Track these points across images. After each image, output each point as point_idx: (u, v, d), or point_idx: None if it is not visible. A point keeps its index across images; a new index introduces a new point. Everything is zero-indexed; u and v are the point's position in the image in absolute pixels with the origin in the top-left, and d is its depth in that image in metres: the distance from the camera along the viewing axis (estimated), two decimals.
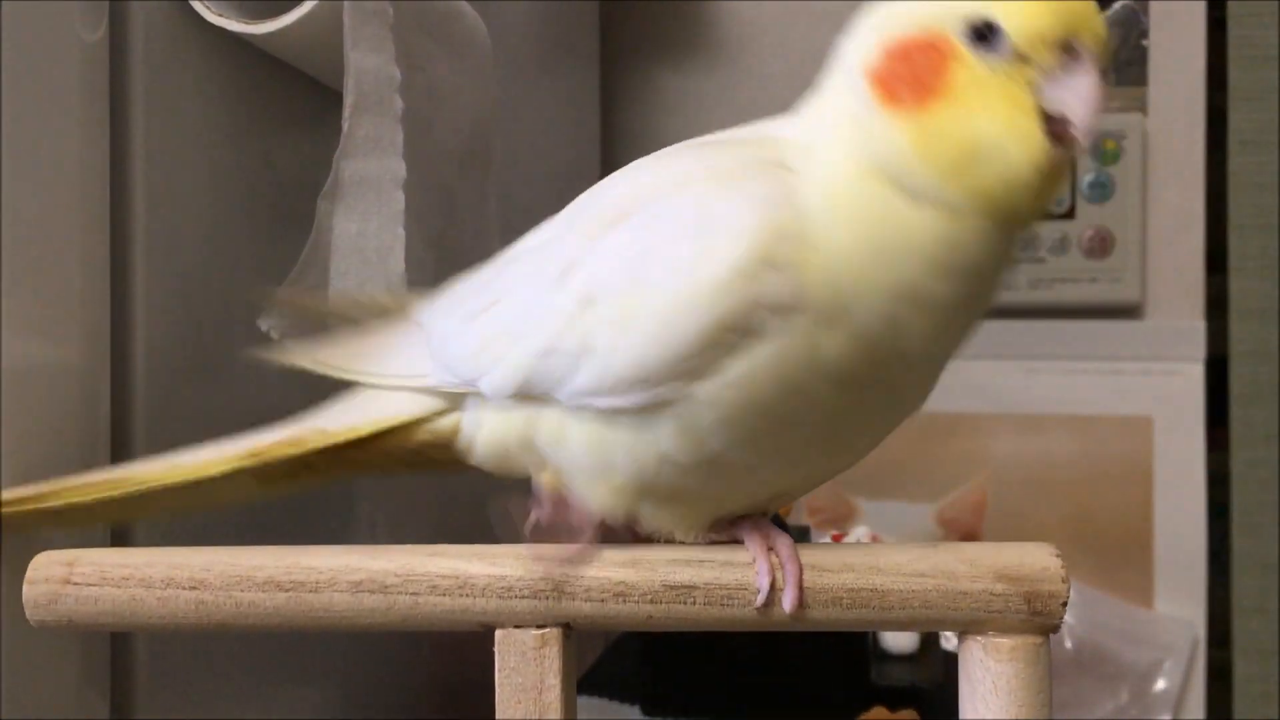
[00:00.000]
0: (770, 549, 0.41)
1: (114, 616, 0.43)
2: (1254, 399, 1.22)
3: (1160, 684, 1.21)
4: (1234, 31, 1.23)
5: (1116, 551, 1.27)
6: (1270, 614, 1.20)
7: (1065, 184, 0.36)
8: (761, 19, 1.36)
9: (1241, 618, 1.20)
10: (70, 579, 0.43)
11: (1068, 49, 0.36)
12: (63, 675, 0.50)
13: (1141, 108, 1.28)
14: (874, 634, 0.93)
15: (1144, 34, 1.28)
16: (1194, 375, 1.27)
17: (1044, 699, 0.39)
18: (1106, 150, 1.27)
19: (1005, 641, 0.39)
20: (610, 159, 1.35)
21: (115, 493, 0.46)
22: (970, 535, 1.29)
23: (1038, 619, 0.39)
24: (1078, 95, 0.36)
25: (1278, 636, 1.19)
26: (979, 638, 0.40)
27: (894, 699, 0.83)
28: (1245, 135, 1.23)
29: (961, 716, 0.41)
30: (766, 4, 1.36)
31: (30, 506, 0.46)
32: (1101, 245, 1.27)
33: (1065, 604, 0.39)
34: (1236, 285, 1.22)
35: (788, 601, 0.40)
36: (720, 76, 1.36)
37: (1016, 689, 0.39)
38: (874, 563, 0.40)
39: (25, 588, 0.43)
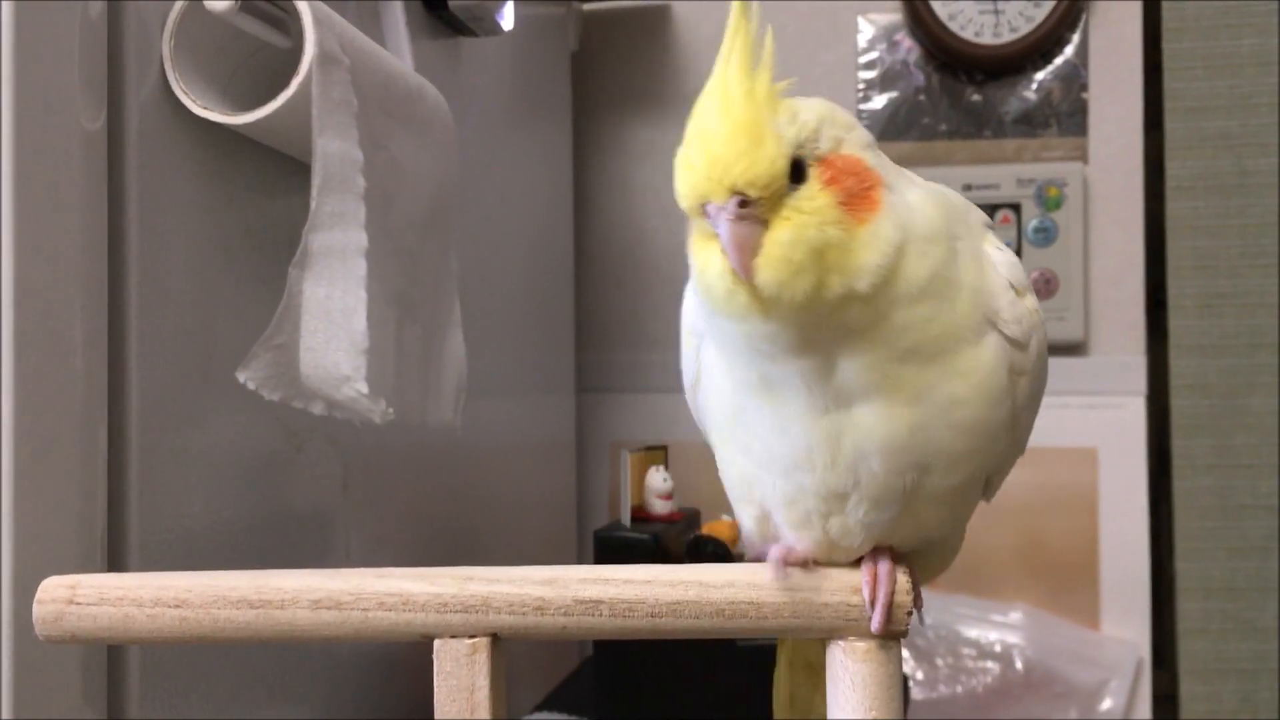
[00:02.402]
0: (875, 574, 0.48)
1: (110, 631, 0.50)
2: (1193, 430, 1.26)
3: (1107, 703, 1.26)
4: (1169, 84, 1.29)
5: (1064, 576, 1.33)
6: (1211, 635, 1.24)
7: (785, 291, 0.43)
8: None
9: (1185, 639, 1.25)
10: (73, 599, 0.49)
11: (705, 212, 0.44)
12: (65, 685, 0.56)
13: (1083, 156, 1.35)
14: None
15: (1084, 87, 1.36)
16: (1136, 408, 1.33)
17: (894, 693, 0.46)
18: (1050, 197, 1.34)
19: (860, 645, 0.46)
20: (583, 207, 1.42)
21: None
22: None
23: (887, 626, 0.46)
24: (724, 244, 0.43)
25: (1219, 657, 1.24)
26: (840, 642, 0.47)
27: None
28: (1181, 181, 1.27)
29: (829, 710, 0.48)
30: None
31: None
32: (1046, 286, 1.34)
33: (910, 613, 0.46)
34: (1175, 323, 1.27)
35: (875, 621, 0.47)
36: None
37: (870, 685, 0.46)
38: (752, 579, 0.48)
39: (35, 607, 0.49)
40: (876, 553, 0.49)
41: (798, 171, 0.44)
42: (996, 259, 0.49)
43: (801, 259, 0.43)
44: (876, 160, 0.47)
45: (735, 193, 0.43)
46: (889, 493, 0.47)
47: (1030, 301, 0.49)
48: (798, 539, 0.49)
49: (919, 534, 0.50)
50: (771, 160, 0.43)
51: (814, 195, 0.44)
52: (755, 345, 0.46)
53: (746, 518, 0.52)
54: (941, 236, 0.46)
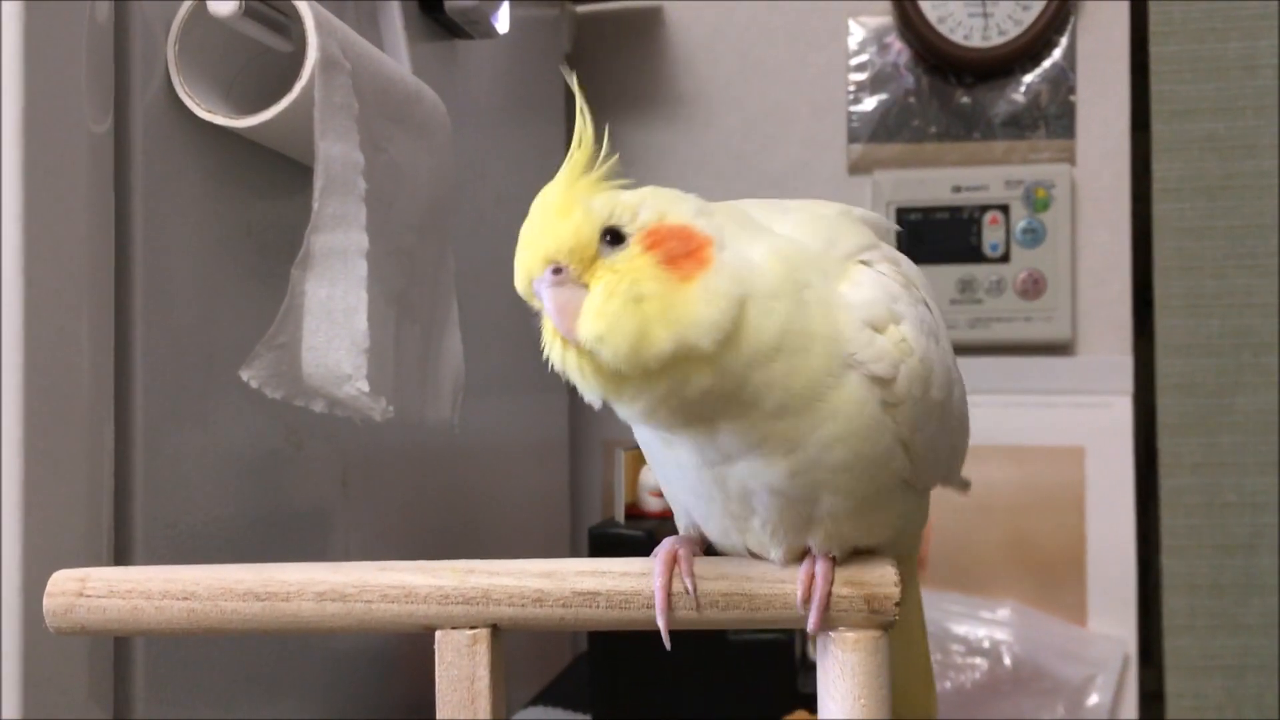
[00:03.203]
0: (811, 573, 0.50)
1: (119, 624, 0.51)
2: (1180, 429, 1.26)
3: (1093, 698, 1.27)
4: (1156, 86, 1.30)
5: (1052, 573, 1.34)
6: (1197, 632, 1.25)
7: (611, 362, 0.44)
8: (718, 75, 1.45)
9: (1171, 636, 1.25)
10: (83, 592, 0.51)
11: (536, 292, 0.46)
12: (71, 684, 0.57)
13: (1070, 158, 1.37)
14: (802, 647, 1.02)
15: (1072, 90, 1.37)
16: (1123, 407, 1.34)
17: (882, 681, 0.47)
18: (1038, 198, 1.35)
19: (850, 635, 0.48)
20: None
21: None
22: (919, 557, 1.37)
23: (875, 616, 0.48)
24: (547, 310, 0.46)
25: (1205, 654, 1.25)
26: (831, 633, 0.49)
27: (815, 704, 0.92)
28: (1168, 183, 1.28)
29: (820, 697, 0.49)
30: (722, 62, 1.46)
31: None
32: (1034, 287, 1.35)
33: (898, 604, 0.48)
34: (1162, 323, 1.27)
35: (810, 621, 0.49)
36: (679, 129, 1.45)
37: (859, 673, 0.48)
38: (745, 572, 0.49)
39: (45, 600, 0.51)
40: (818, 553, 0.50)
41: (616, 240, 0.46)
42: (852, 298, 0.48)
43: (616, 310, 0.44)
44: (710, 224, 0.47)
45: (549, 261, 0.46)
46: (787, 519, 0.49)
47: (895, 333, 0.48)
48: (726, 547, 0.52)
49: (846, 542, 0.50)
50: (577, 226, 0.46)
51: (632, 256, 0.46)
52: (645, 425, 0.48)
53: (683, 529, 0.55)
54: (785, 291, 0.47)
